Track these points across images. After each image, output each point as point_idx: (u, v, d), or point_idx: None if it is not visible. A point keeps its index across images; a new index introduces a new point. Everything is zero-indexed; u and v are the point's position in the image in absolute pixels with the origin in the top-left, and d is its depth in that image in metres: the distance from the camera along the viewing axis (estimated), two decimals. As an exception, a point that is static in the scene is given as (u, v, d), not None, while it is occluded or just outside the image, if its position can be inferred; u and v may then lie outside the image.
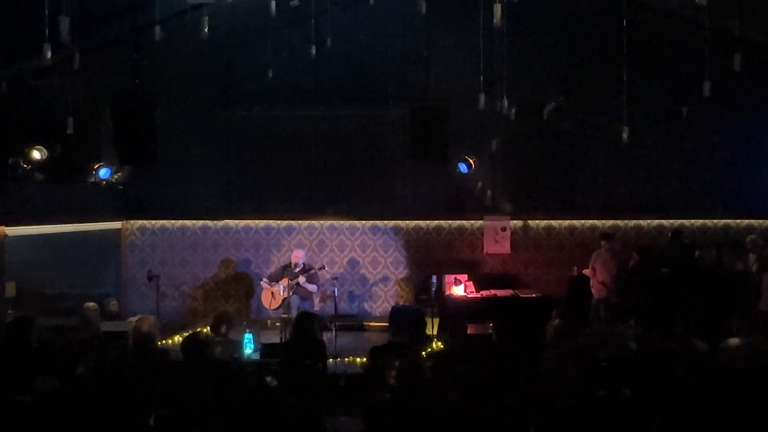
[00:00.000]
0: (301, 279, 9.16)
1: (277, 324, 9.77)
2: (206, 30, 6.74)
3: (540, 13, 9.87)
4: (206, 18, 6.68)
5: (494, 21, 4.74)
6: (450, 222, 10.92)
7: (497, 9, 4.76)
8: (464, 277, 10.10)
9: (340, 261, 10.97)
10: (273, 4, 6.71)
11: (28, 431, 4.00)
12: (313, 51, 7.54)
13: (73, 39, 4.99)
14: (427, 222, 10.94)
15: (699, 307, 7.53)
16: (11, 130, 9.00)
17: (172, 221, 11.11)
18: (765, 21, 7.52)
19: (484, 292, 9.96)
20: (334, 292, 9.29)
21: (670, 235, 9.87)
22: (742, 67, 6.28)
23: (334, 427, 5.31)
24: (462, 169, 10.43)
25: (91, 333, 6.93)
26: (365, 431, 4.07)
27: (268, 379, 4.00)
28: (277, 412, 3.99)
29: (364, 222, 11.00)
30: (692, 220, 10.64)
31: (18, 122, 9.01)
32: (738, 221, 10.64)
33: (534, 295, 9.89)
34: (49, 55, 4.87)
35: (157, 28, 6.83)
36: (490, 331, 7.14)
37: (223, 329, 6.18)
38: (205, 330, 7.98)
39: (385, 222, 10.98)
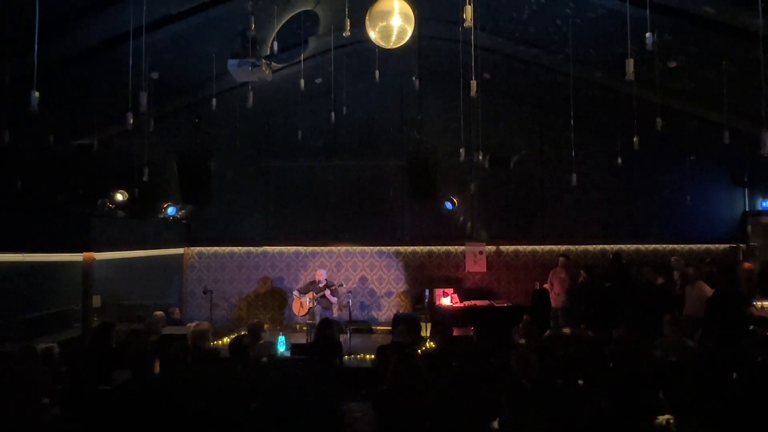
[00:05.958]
0: (327, 292, 9.12)
1: (304, 328, 9.70)
2: (250, 101, 6.86)
3: (507, 87, 10.02)
4: (251, 92, 6.81)
5: (471, 93, 4.82)
6: (439, 247, 10.89)
7: (473, 84, 4.85)
8: (450, 290, 10.02)
9: (353, 278, 10.92)
10: (302, 82, 6.85)
11: (107, 414, 3.97)
12: (333, 116, 7.65)
13: (149, 109, 5.09)
14: (421, 247, 10.91)
15: (634, 313, 7.44)
16: (100, 177, 9.12)
17: (223, 248, 11.10)
18: (678, 92, 7.62)
19: (466, 303, 9.86)
20: (348, 302, 9.24)
21: (611, 257, 9.81)
22: (663, 126, 6.35)
23: (349, 411, 5.23)
24: (448, 206, 10.54)
25: (158, 335, 6.88)
26: (374, 414, 4.01)
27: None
28: (303, 398, 3.95)
29: (372, 248, 10.97)
30: (628, 245, 10.57)
31: (105, 172, 9.12)
32: (664, 246, 10.58)
33: (506, 305, 9.78)
34: (131, 121, 4.95)
35: (214, 100, 6.96)
36: (471, 333, 7.09)
37: (256, 336, 6.10)
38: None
39: (389, 247, 10.95)
